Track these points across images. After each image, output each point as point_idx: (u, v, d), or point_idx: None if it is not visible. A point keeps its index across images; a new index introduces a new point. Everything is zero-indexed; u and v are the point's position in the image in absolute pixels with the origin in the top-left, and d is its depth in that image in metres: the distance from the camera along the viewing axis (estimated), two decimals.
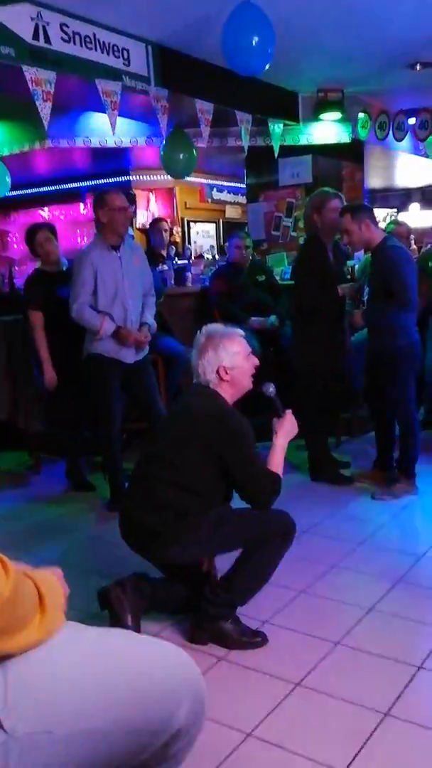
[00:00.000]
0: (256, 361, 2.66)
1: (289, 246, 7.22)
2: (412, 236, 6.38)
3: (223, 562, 2.53)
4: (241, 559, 2.47)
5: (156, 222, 6.31)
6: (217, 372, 2.53)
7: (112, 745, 1.08)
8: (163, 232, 6.02)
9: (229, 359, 2.54)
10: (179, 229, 9.83)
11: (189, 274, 5.86)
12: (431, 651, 2.41)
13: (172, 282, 5.61)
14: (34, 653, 1.06)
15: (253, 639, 2.49)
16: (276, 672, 2.33)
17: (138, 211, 9.35)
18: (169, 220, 7.43)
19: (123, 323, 3.86)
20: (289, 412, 2.67)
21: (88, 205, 9.45)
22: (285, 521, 2.48)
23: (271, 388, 2.65)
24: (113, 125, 4.74)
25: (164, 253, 6.07)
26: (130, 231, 4.45)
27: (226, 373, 2.53)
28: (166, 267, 5.60)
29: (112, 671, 1.10)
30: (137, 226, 9.05)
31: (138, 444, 4.30)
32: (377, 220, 4.24)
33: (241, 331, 2.64)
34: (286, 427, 2.65)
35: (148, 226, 6.94)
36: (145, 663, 1.14)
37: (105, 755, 1.07)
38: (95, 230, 4.04)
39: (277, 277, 5.65)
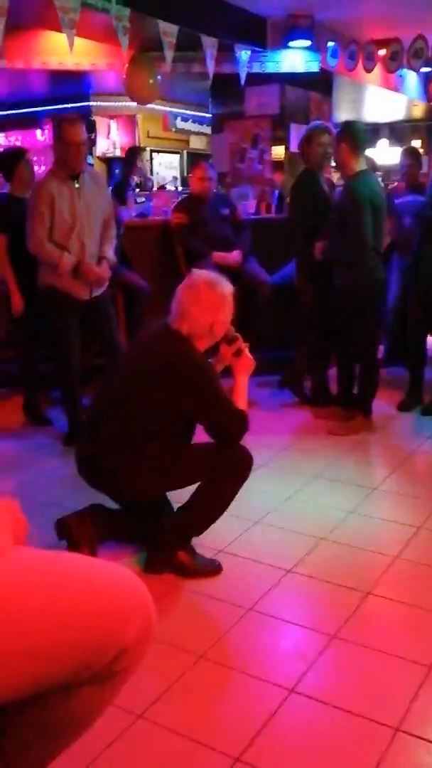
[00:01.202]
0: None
1: (254, 179, 7.08)
2: (378, 173, 6.31)
3: (180, 495, 2.57)
4: (198, 491, 2.49)
5: (138, 151, 5.89)
6: (209, 327, 2.47)
7: (56, 662, 1.09)
8: (144, 162, 5.70)
9: (225, 319, 2.49)
10: None
11: (150, 206, 5.73)
12: (380, 577, 2.51)
13: (133, 214, 5.47)
14: None
15: (208, 567, 2.55)
16: (229, 598, 2.40)
17: (98, 139, 9.04)
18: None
19: (80, 257, 3.75)
20: (245, 349, 2.66)
21: (46, 131, 9.12)
22: (242, 455, 2.51)
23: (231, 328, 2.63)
24: (71, 45, 4.52)
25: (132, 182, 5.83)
26: (90, 159, 4.29)
27: (216, 330, 2.49)
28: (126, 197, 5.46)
29: (58, 588, 1.11)
30: (97, 154, 8.77)
31: (97, 379, 4.26)
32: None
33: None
34: (245, 365, 2.66)
35: (124, 155, 6.50)
36: (92, 581, 1.15)
37: (50, 673, 1.09)
38: (54, 158, 3.89)
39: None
